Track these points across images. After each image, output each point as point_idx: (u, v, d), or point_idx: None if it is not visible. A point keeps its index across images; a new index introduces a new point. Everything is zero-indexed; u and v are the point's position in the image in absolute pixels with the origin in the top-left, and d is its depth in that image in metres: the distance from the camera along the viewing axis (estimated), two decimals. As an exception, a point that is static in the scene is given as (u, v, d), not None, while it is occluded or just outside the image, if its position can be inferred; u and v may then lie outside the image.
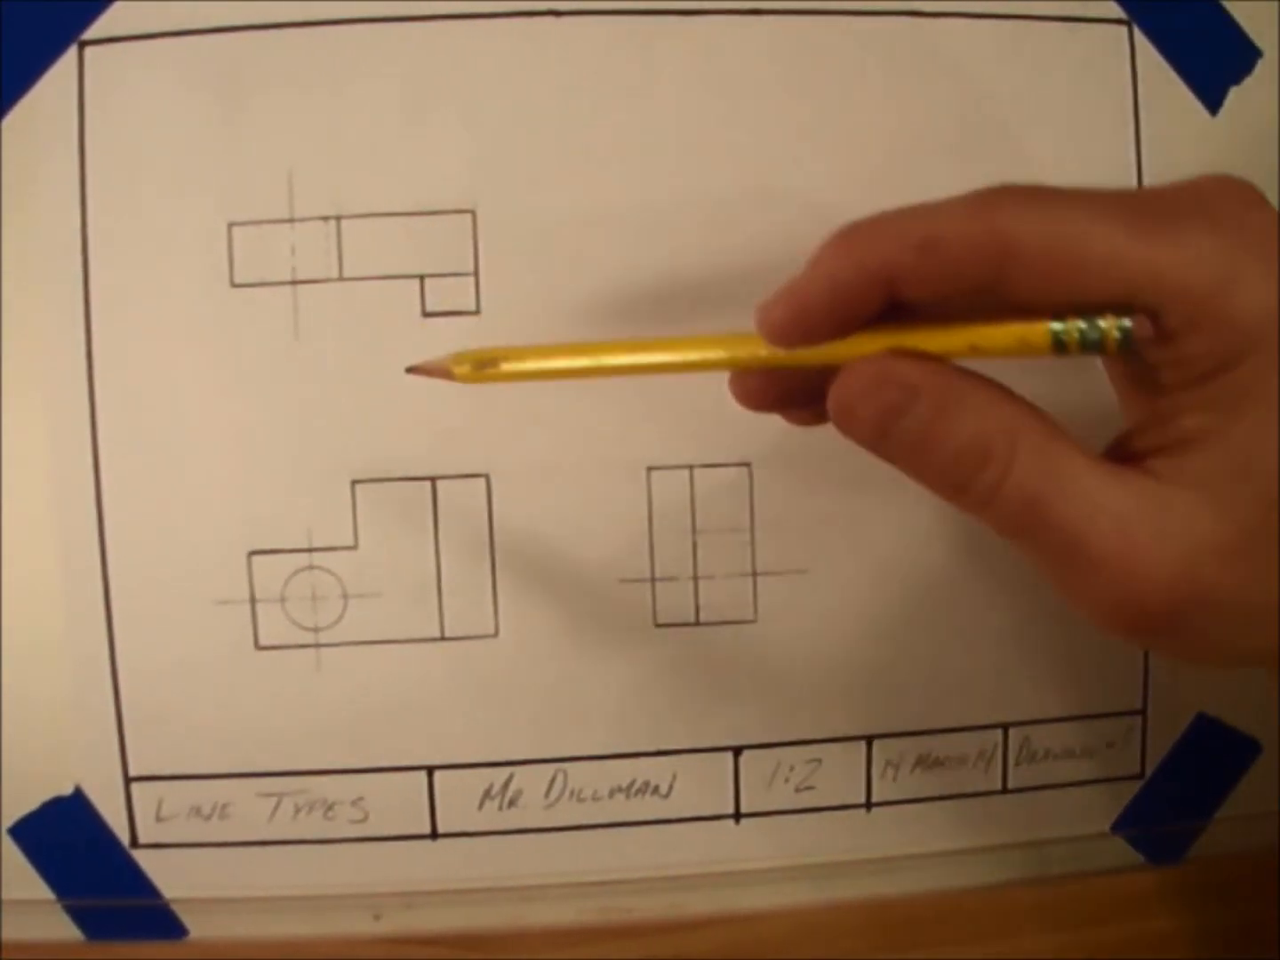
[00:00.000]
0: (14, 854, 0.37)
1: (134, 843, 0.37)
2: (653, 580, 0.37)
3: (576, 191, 0.37)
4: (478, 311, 0.37)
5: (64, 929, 0.37)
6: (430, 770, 0.37)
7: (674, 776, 0.38)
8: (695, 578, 0.38)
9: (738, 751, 0.38)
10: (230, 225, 0.36)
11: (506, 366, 0.29)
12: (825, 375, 0.25)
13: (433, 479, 0.37)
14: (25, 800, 0.37)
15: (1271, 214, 0.22)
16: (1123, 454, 0.23)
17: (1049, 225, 0.22)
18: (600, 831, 0.38)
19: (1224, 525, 0.21)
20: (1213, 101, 0.39)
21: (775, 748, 0.38)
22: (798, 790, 0.38)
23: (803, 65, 0.37)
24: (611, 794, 0.38)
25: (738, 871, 0.38)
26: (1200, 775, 0.40)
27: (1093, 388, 0.29)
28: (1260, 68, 0.39)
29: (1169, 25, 0.38)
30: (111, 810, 0.37)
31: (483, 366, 0.29)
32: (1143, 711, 0.40)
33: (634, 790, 0.38)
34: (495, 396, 0.37)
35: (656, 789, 0.38)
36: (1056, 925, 0.39)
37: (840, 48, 0.37)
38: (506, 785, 0.38)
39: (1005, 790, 0.39)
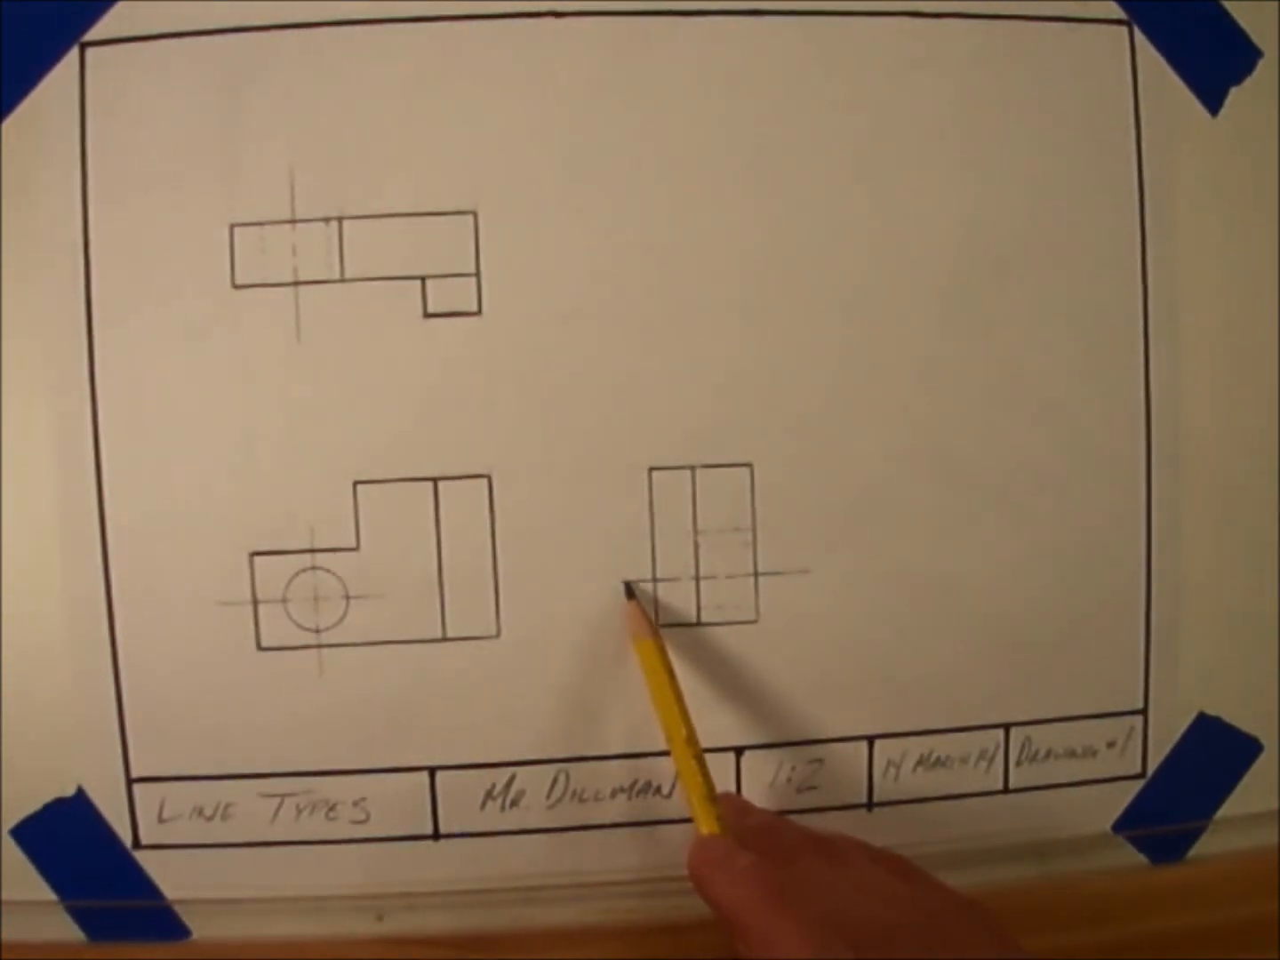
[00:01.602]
0: (16, 855, 0.37)
1: (136, 844, 0.37)
2: (654, 580, 0.37)
3: (577, 192, 0.37)
4: (479, 312, 0.37)
5: (66, 930, 0.37)
6: (432, 771, 0.37)
7: (675, 777, 0.38)
8: (697, 578, 0.38)
9: (740, 751, 0.38)
10: (232, 226, 0.36)
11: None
12: None
13: (434, 479, 0.37)
14: (27, 801, 0.37)
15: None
16: None
17: None
18: (602, 832, 0.38)
19: None
20: (1213, 102, 0.39)
21: (777, 748, 0.38)
22: (800, 790, 0.38)
23: (803, 65, 0.37)
24: (613, 794, 0.38)
25: (740, 871, 0.38)
26: (1201, 775, 0.40)
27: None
28: (1260, 68, 0.39)
29: (1169, 26, 0.38)
30: (114, 811, 0.37)
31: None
32: (1144, 711, 0.40)
33: (636, 790, 0.38)
34: (497, 397, 0.37)
35: (658, 789, 0.38)
36: (1057, 925, 0.39)
37: (840, 48, 0.37)
38: (508, 786, 0.38)
39: (1006, 790, 0.39)
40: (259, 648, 0.37)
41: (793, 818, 0.38)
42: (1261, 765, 0.41)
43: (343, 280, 0.36)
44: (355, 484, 0.37)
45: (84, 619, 0.36)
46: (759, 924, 0.29)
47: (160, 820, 0.37)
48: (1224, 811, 0.41)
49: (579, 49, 0.36)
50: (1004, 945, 0.30)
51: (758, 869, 0.30)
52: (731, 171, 0.37)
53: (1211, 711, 0.40)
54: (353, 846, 0.37)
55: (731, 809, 0.34)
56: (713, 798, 0.33)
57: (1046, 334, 0.38)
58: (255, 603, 0.37)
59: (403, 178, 0.36)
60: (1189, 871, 0.41)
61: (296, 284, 0.36)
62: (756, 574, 0.38)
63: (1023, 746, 0.39)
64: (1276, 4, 0.39)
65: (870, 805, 0.39)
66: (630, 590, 0.37)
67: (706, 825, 0.32)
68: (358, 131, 0.36)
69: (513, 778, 0.38)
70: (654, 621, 0.37)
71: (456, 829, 0.38)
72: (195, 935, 0.38)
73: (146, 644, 0.36)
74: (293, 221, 0.36)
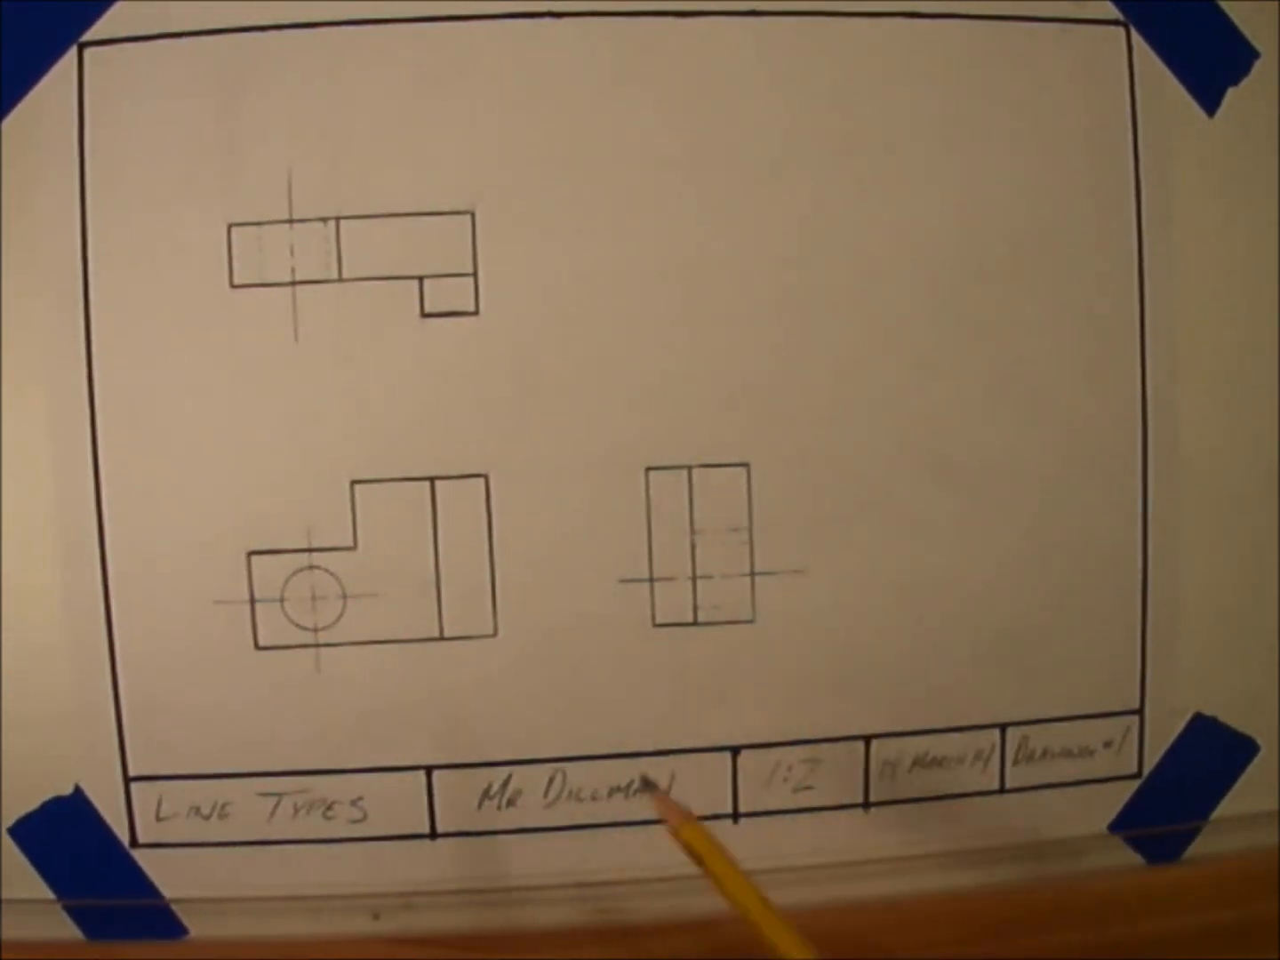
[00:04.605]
0: (14, 853, 0.37)
1: (134, 842, 0.37)
2: (651, 580, 0.37)
3: (575, 192, 0.37)
4: (476, 312, 0.37)
5: (64, 928, 0.37)
6: (429, 770, 0.37)
7: (673, 776, 0.38)
8: (694, 577, 0.38)
9: (736, 751, 0.38)
10: (229, 226, 0.36)
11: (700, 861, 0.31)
12: None
13: (432, 479, 0.37)
14: (25, 800, 0.37)
15: None
16: None
17: None
18: (599, 831, 0.38)
19: None
20: (1210, 103, 0.39)
21: (773, 747, 0.38)
22: (796, 790, 0.38)
23: (801, 66, 0.37)
24: (610, 794, 0.38)
25: (736, 871, 0.38)
26: (1198, 775, 0.40)
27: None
28: (1258, 69, 0.39)
29: (1166, 26, 0.38)
30: (111, 810, 0.37)
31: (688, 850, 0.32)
32: (1140, 711, 0.40)
33: (633, 790, 0.38)
34: (494, 397, 0.37)
35: (655, 789, 0.38)
36: (1053, 925, 0.39)
37: (838, 48, 0.37)
38: (505, 785, 0.38)
39: (1003, 790, 0.39)
40: (256, 647, 0.37)
41: (790, 819, 0.38)
42: (1258, 765, 0.40)
43: (340, 280, 0.36)
44: (353, 483, 0.37)
45: (82, 617, 0.36)
46: None
47: (157, 819, 0.37)
48: (1220, 812, 0.41)
49: (576, 49, 0.36)
50: None
51: None
52: (728, 172, 0.37)
53: (1208, 711, 0.40)
54: (350, 845, 0.37)
55: None
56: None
57: (1043, 335, 0.38)
58: (253, 602, 0.37)
59: (400, 177, 0.36)
60: (1185, 872, 0.41)
61: (294, 284, 0.36)
62: (753, 573, 0.38)
63: (1019, 746, 0.39)
64: (1275, 4, 0.39)
65: (866, 805, 0.39)
66: (648, 782, 0.36)
67: None
68: (355, 131, 0.36)
69: (510, 777, 0.38)
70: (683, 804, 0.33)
71: (453, 828, 0.38)
72: (192, 934, 0.38)
73: (144, 643, 0.36)
74: (290, 221, 0.36)
